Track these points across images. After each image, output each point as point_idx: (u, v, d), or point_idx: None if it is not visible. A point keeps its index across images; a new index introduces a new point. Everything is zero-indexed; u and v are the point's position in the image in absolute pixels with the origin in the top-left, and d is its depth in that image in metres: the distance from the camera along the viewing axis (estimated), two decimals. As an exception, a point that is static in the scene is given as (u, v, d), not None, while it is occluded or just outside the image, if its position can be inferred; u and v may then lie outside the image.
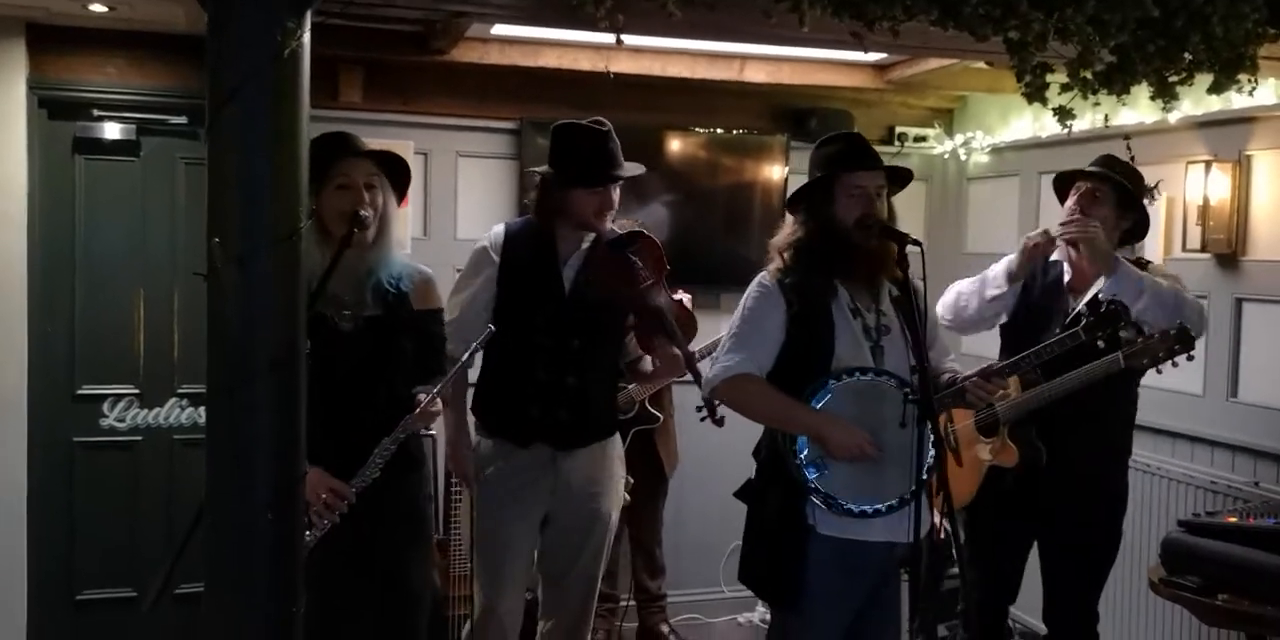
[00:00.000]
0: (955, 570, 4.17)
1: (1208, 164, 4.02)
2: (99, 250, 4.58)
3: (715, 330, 3.74)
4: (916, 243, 2.89)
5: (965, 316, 3.66)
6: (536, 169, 3.48)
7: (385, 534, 2.96)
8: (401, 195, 3.06)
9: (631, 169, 3.35)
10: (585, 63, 4.67)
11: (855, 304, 2.98)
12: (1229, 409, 4.04)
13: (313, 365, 2.29)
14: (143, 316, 4.66)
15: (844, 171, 2.96)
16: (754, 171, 5.26)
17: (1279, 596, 3.11)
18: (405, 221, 4.49)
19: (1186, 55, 2.70)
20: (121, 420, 4.65)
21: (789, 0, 2.47)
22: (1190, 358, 3.24)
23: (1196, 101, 3.73)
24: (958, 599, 3.84)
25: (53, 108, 4.48)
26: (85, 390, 4.61)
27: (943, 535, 2.99)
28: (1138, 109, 3.94)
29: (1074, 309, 3.47)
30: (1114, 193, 3.45)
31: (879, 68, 4.98)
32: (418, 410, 2.85)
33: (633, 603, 4.84)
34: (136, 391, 4.67)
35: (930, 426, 2.81)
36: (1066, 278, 3.55)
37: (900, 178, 3.09)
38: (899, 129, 5.44)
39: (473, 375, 3.42)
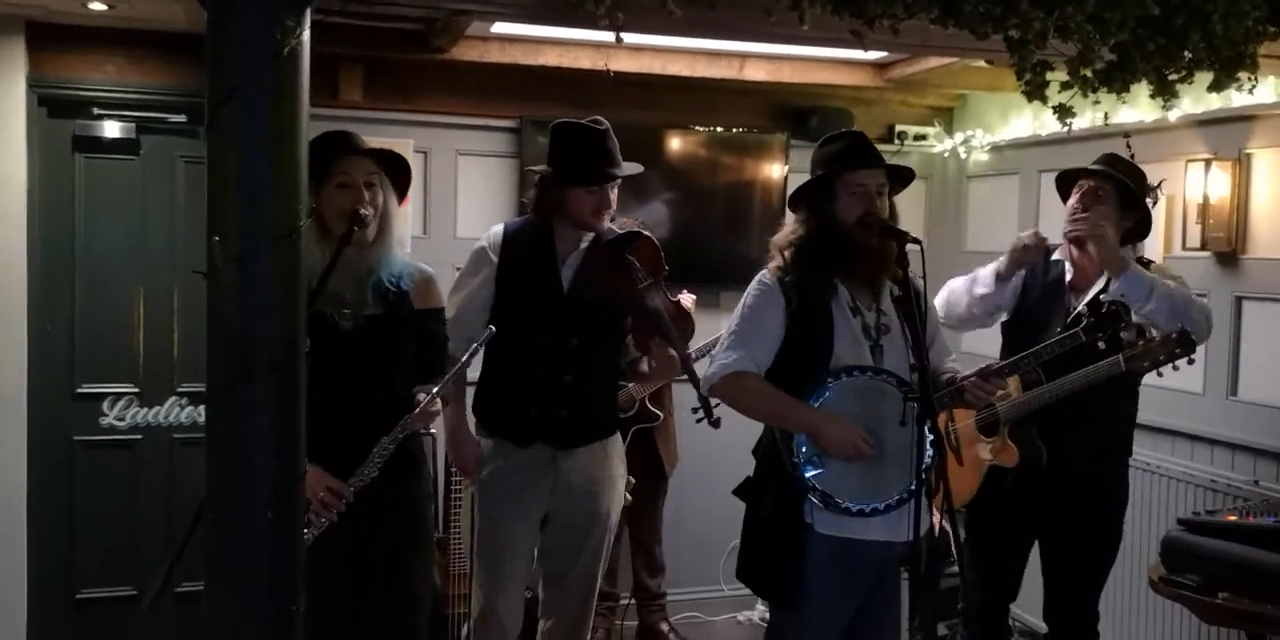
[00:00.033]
0: (955, 569, 4.18)
1: (1208, 162, 4.01)
2: (99, 249, 4.58)
3: (715, 329, 3.74)
4: (916, 241, 2.89)
5: (956, 314, 3.65)
6: (535, 168, 3.48)
7: (385, 533, 2.96)
8: (403, 194, 3.06)
9: (629, 168, 3.35)
10: (585, 61, 4.67)
11: (855, 303, 2.98)
12: (1229, 407, 4.04)
13: (313, 364, 2.29)
14: (142, 315, 4.65)
15: (845, 169, 2.96)
16: (754, 170, 5.26)
17: (1279, 595, 3.11)
18: (405, 220, 4.49)
19: (1186, 53, 2.70)
20: (121, 419, 4.65)
21: (789, -2, 2.47)
22: (1191, 361, 3.24)
23: (1196, 100, 3.73)
24: (958, 598, 3.85)
25: (52, 106, 4.47)
26: (85, 389, 4.60)
27: (937, 533, 2.99)
28: (1138, 107, 3.93)
29: (1075, 309, 3.47)
30: (1116, 191, 3.45)
31: (879, 66, 4.98)
32: (417, 410, 2.85)
33: (632, 601, 4.85)
34: (136, 390, 4.67)
35: (929, 426, 2.81)
36: (1068, 277, 3.55)
37: (902, 177, 3.09)
38: (899, 127, 5.44)
39: (473, 374, 3.42)
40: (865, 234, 2.93)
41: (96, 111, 4.52)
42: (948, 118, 5.54)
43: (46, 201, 4.47)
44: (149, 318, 4.66)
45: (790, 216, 3.09)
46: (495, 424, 3.40)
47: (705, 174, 5.19)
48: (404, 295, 3.00)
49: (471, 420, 3.48)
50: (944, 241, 5.35)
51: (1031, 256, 3.55)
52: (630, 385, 4.25)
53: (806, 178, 3.06)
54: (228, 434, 2.17)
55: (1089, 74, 2.71)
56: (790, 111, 5.30)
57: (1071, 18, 2.52)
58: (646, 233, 3.57)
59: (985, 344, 4.02)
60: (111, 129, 4.52)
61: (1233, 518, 3.35)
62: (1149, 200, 3.52)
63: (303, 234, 2.19)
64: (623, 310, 3.34)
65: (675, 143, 5.16)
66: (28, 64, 4.35)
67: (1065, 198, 3.56)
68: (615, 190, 3.35)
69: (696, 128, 5.18)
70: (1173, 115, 3.65)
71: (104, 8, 4.07)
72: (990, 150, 5.26)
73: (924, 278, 2.94)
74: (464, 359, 2.97)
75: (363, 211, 2.84)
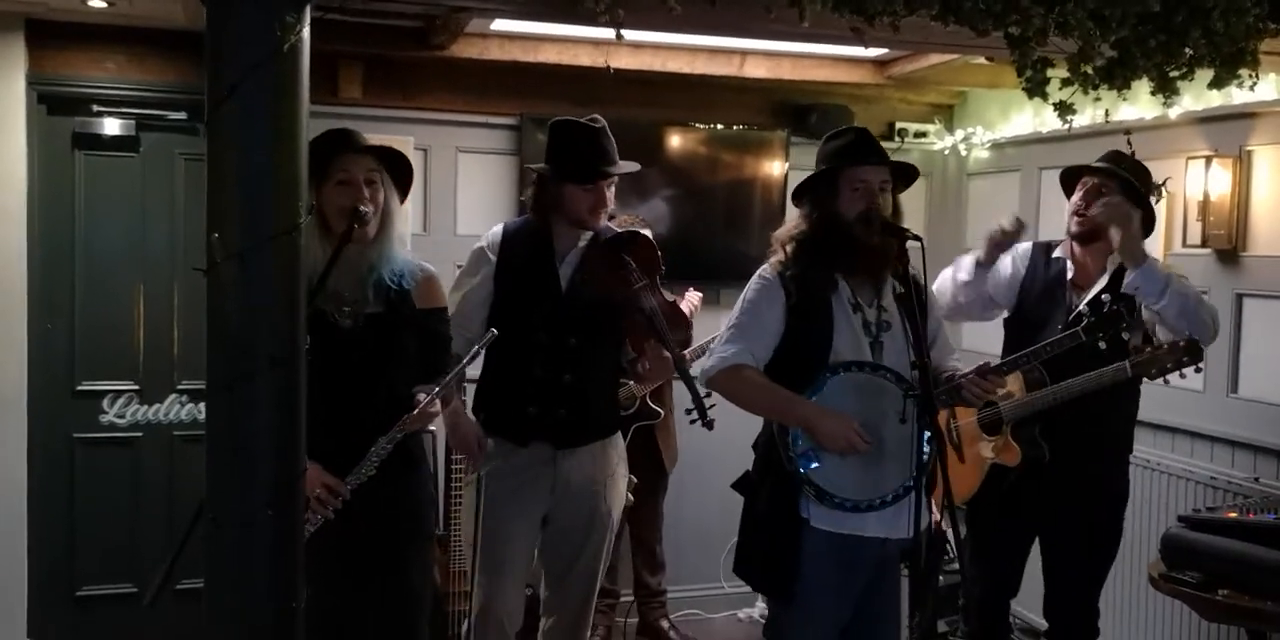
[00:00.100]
0: (955, 566, 4.18)
1: (1208, 159, 4.01)
2: (99, 246, 4.58)
3: (715, 326, 3.74)
4: (917, 238, 2.90)
5: (944, 302, 3.63)
6: (533, 166, 3.48)
7: (384, 532, 2.96)
8: (404, 192, 3.05)
9: (626, 166, 3.35)
10: (585, 58, 4.66)
11: (856, 299, 2.98)
12: (1229, 405, 4.04)
13: (312, 362, 2.29)
14: (142, 312, 4.66)
15: (848, 165, 2.97)
16: (754, 167, 5.25)
17: (1279, 592, 3.11)
18: (406, 218, 4.49)
19: (1187, 50, 2.69)
20: (121, 416, 4.65)
21: (789, -5, 2.47)
22: (1198, 369, 3.24)
23: (1197, 97, 3.73)
24: (958, 594, 3.85)
25: (52, 103, 4.48)
26: (85, 386, 4.61)
27: (935, 529, 2.99)
28: (1138, 104, 3.93)
29: (1076, 307, 3.46)
30: (1120, 189, 3.44)
31: (879, 63, 4.98)
32: (416, 411, 2.84)
33: (633, 598, 4.85)
34: (136, 387, 4.67)
35: (928, 423, 2.81)
36: (1069, 275, 3.54)
37: (906, 174, 3.08)
38: (899, 125, 5.44)
39: (474, 373, 3.41)
40: (866, 230, 2.93)
41: (96, 109, 4.52)
42: (948, 115, 5.54)
43: (46, 199, 4.47)
44: (149, 315, 4.66)
45: (793, 211, 3.09)
46: (495, 423, 3.40)
47: (705, 171, 5.19)
48: (405, 294, 2.98)
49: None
50: (944, 239, 5.35)
51: (1011, 239, 3.54)
52: (631, 383, 4.25)
53: (807, 175, 3.07)
54: (228, 431, 2.17)
55: (1090, 71, 2.71)
56: (790, 109, 5.29)
57: (1072, 14, 2.52)
58: (645, 232, 3.57)
59: (987, 342, 4.02)
60: (111, 126, 4.52)
61: (1233, 515, 3.35)
62: (1153, 198, 3.52)
63: (303, 231, 2.19)
64: (618, 309, 3.34)
65: (675, 140, 5.15)
66: (27, 61, 4.35)
67: (1069, 194, 3.56)
68: (612, 188, 3.35)
69: (696, 125, 5.18)
70: (1173, 112, 3.65)
71: (104, 5, 4.06)
72: (991, 147, 5.26)
73: (925, 275, 2.94)
74: (464, 361, 2.96)
75: (363, 209, 2.83)
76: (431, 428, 3.15)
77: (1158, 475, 4.19)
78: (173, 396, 4.71)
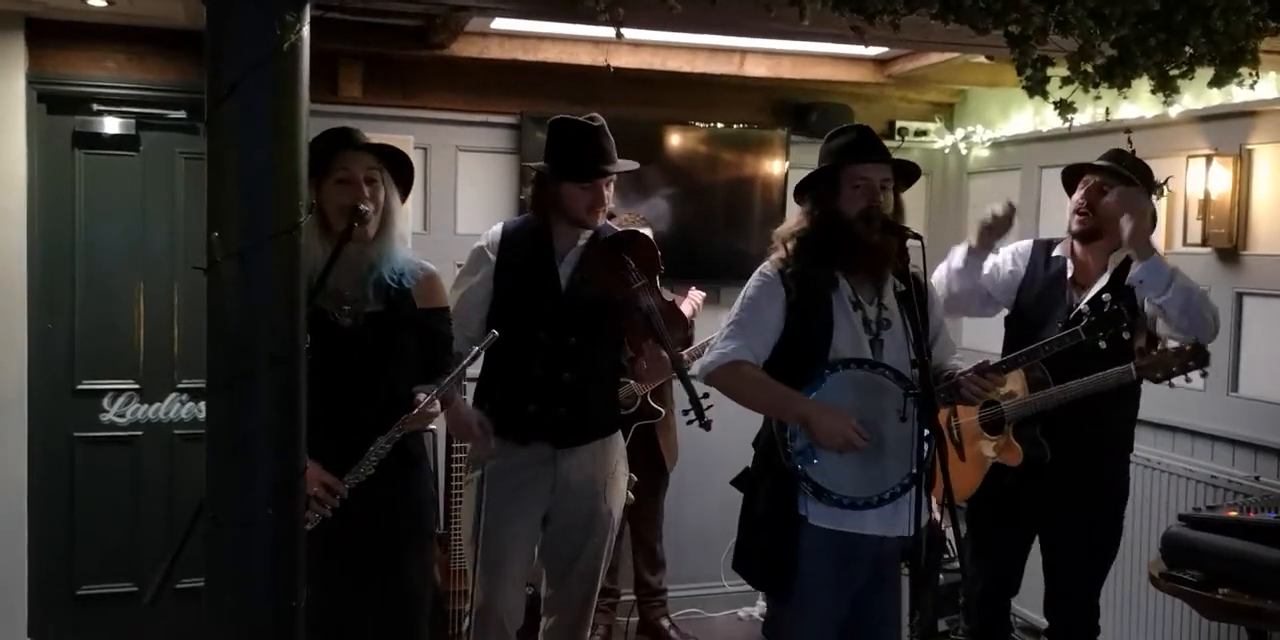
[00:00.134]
0: (955, 565, 4.19)
1: (1208, 158, 4.01)
2: (99, 245, 4.58)
3: (716, 325, 3.74)
4: (917, 236, 2.90)
5: (938, 294, 3.61)
6: (532, 164, 3.48)
7: (383, 531, 2.95)
8: (406, 191, 3.05)
9: (624, 165, 3.34)
10: (585, 57, 4.66)
11: (857, 297, 2.98)
12: (1229, 403, 4.04)
13: (312, 361, 2.29)
14: (143, 311, 4.65)
15: (849, 162, 2.96)
16: (754, 166, 5.25)
17: (1279, 590, 3.11)
18: (406, 216, 4.49)
19: (1187, 49, 2.69)
20: (122, 415, 4.66)
21: (789, -6, 2.46)
22: (1204, 374, 3.24)
23: (1197, 95, 3.72)
24: (958, 593, 3.84)
25: (52, 102, 4.47)
26: (85, 385, 4.61)
27: (933, 527, 2.99)
28: (1138, 103, 3.93)
29: (1076, 305, 3.46)
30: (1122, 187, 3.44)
31: (879, 62, 4.98)
32: (415, 411, 2.84)
33: (633, 597, 4.85)
34: (137, 386, 4.67)
35: (927, 421, 2.81)
36: (1069, 273, 3.54)
37: (907, 173, 3.08)
38: (899, 123, 5.44)
39: (474, 371, 3.41)
40: (867, 228, 2.93)
41: (96, 108, 4.52)
42: (948, 114, 5.54)
43: (46, 198, 4.47)
44: (149, 314, 4.66)
45: (793, 210, 3.09)
46: (495, 422, 3.39)
47: (705, 170, 5.19)
48: (405, 292, 2.98)
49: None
50: (945, 237, 5.32)
51: (1003, 225, 3.53)
52: (632, 382, 4.25)
53: (807, 174, 3.06)
54: (228, 430, 2.17)
55: (1090, 69, 2.71)
56: (790, 107, 5.29)
57: (1072, 13, 2.52)
58: (645, 231, 3.57)
59: (987, 340, 4.02)
60: (111, 125, 4.52)
61: (1233, 513, 3.35)
62: (1155, 196, 3.52)
63: (303, 230, 2.19)
64: (617, 308, 3.33)
65: (675, 139, 5.15)
66: (27, 60, 4.35)
67: (1071, 192, 3.56)
68: (611, 187, 3.34)
69: (696, 124, 5.17)
70: (1174, 111, 3.65)
71: (103, 4, 4.06)
72: (991, 146, 5.26)
73: (925, 273, 2.93)
74: (464, 363, 2.95)
75: (363, 208, 2.83)
76: (431, 427, 3.15)
77: (1158, 474, 4.19)
78: (173, 395, 4.71)
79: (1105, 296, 3.33)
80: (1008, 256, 3.69)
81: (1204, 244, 4.05)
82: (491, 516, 3.37)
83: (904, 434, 2.89)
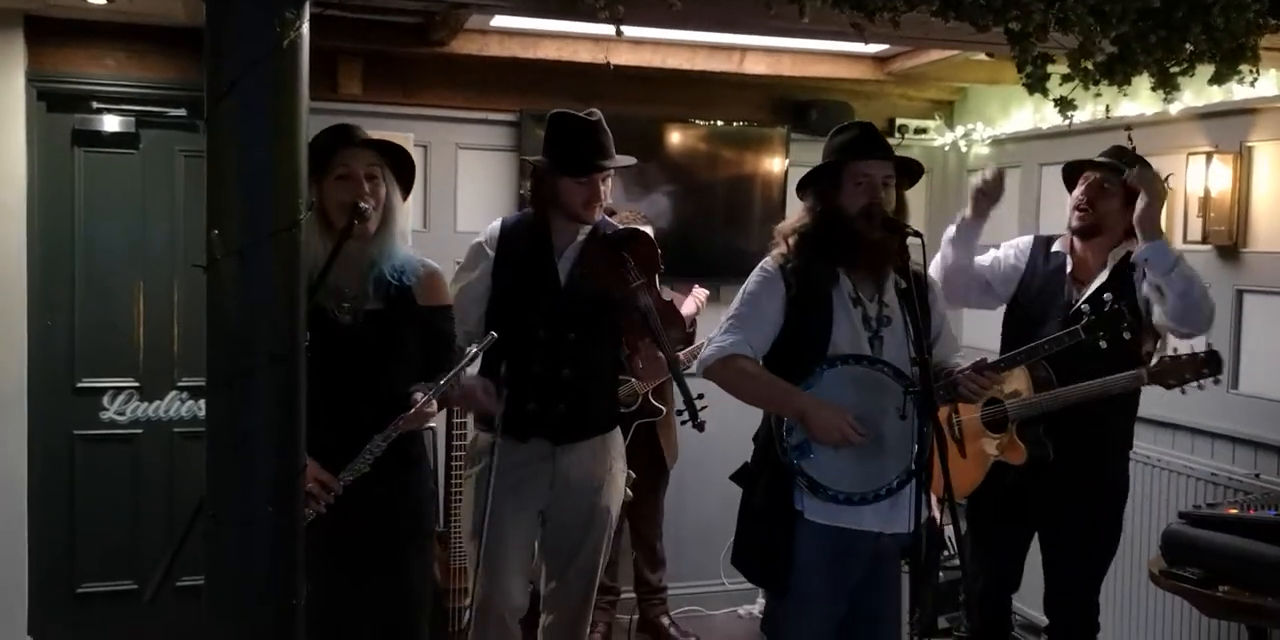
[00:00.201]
0: (955, 562, 4.18)
1: (1209, 155, 4.01)
2: (98, 243, 4.58)
3: (716, 323, 3.74)
4: (917, 234, 2.90)
5: (936, 275, 3.60)
6: (530, 158, 3.48)
7: (382, 529, 2.95)
8: (407, 188, 3.04)
9: (621, 160, 3.34)
10: (585, 54, 4.66)
11: (857, 293, 2.98)
12: (1229, 401, 4.04)
13: (312, 358, 2.29)
14: (142, 309, 4.65)
15: (851, 159, 2.96)
16: (754, 163, 5.25)
17: (1279, 588, 3.11)
18: (407, 213, 4.49)
19: (1188, 46, 2.69)
20: (121, 413, 4.66)
21: (790, -9, 2.46)
22: (1218, 381, 3.25)
23: (1198, 92, 3.72)
24: (959, 590, 3.84)
25: (51, 100, 4.47)
26: (85, 383, 4.61)
27: (930, 524, 2.99)
28: (1139, 100, 3.93)
29: (1076, 301, 3.47)
30: (1122, 184, 3.44)
31: (879, 59, 4.97)
32: (412, 410, 2.83)
33: (634, 595, 4.85)
34: (136, 384, 4.67)
35: (927, 418, 2.81)
36: (1069, 268, 3.54)
37: (910, 171, 3.08)
38: (899, 121, 5.43)
39: (473, 371, 3.41)
40: (868, 225, 2.93)
41: (96, 106, 4.52)
42: (948, 111, 5.53)
43: (46, 196, 4.47)
44: (149, 312, 4.66)
45: (793, 207, 3.09)
46: (494, 418, 3.39)
47: (705, 168, 5.19)
48: (406, 290, 2.97)
49: (471, 415, 3.47)
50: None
51: (994, 189, 3.53)
52: (634, 381, 4.25)
53: (807, 171, 3.07)
54: (228, 428, 2.17)
55: (1090, 66, 2.70)
56: (790, 105, 5.29)
57: (1072, 10, 2.52)
58: (646, 230, 3.56)
59: (986, 339, 4.01)
60: (111, 123, 4.52)
61: (1233, 511, 3.36)
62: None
63: (303, 227, 2.19)
64: (616, 306, 3.33)
65: (675, 136, 5.15)
66: (27, 58, 4.35)
67: (1071, 189, 3.57)
68: (608, 182, 3.34)
69: (696, 121, 5.17)
70: (1174, 108, 3.65)
71: (103, 2, 4.05)
72: (991, 144, 5.25)
73: (925, 271, 2.93)
74: (462, 363, 2.94)
75: (362, 205, 2.82)
76: (431, 425, 3.14)
77: (1158, 471, 4.19)
78: (173, 393, 4.71)
79: (1107, 296, 3.32)
80: (1009, 251, 3.70)
81: (1204, 241, 4.05)
82: (491, 512, 3.37)
83: (902, 431, 2.89)
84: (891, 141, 5.17)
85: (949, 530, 3.05)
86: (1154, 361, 3.33)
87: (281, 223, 2.14)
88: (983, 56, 4.35)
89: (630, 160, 3.39)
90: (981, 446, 3.62)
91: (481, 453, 3.38)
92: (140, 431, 4.68)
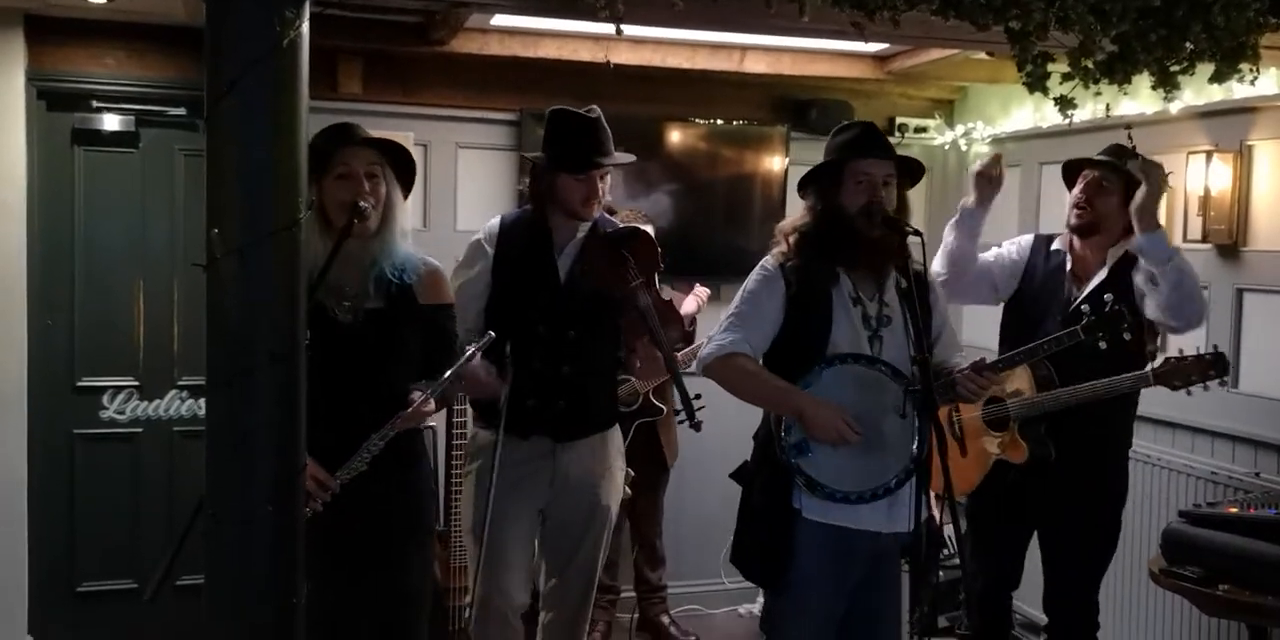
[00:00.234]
0: (955, 561, 4.18)
1: (1209, 154, 4.01)
2: (98, 242, 4.58)
3: (718, 322, 3.74)
4: (918, 233, 2.90)
5: (938, 269, 3.60)
6: (530, 155, 3.48)
7: (383, 528, 2.95)
8: (408, 186, 3.04)
9: (620, 158, 3.34)
10: (585, 53, 4.66)
11: (857, 292, 2.98)
12: (1229, 400, 4.03)
13: (312, 357, 2.29)
14: (142, 308, 4.65)
15: (852, 158, 2.96)
16: (754, 162, 5.25)
17: (1279, 587, 3.11)
18: (408, 212, 4.48)
19: (1188, 44, 2.69)
20: (121, 412, 4.66)
21: (789, -10, 2.46)
22: (1223, 383, 3.25)
23: (1198, 91, 3.72)
24: (959, 590, 3.84)
25: (51, 99, 4.47)
26: (85, 382, 4.61)
27: (929, 524, 2.99)
28: (1139, 99, 3.93)
29: (1075, 299, 3.47)
30: (1121, 182, 3.44)
31: (879, 58, 4.97)
32: (410, 409, 2.83)
33: (634, 594, 4.85)
34: (136, 383, 4.67)
35: (927, 418, 2.81)
36: (1068, 266, 3.55)
37: (911, 171, 3.08)
38: (899, 120, 5.43)
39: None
40: (868, 224, 2.93)
41: (96, 105, 4.52)
42: (948, 110, 5.53)
43: (46, 195, 4.47)
44: (149, 310, 4.66)
45: (794, 206, 3.09)
46: (494, 415, 3.39)
47: (705, 167, 5.19)
48: (407, 288, 2.96)
49: (470, 413, 3.47)
50: (944, 234, 5.35)
51: (993, 171, 3.54)
52: (634, 380, 4.25)
53: (807, 170, 3.07)
54: (228, 427, 2.17)
55: (1090, 65, 2.70)
56: (790, 104, 5.29)
57: (1072, 8, 2.52)
58: (647, 229, 3.56)
59: (986, 337, 4.01)
60: (111, 122, 4.52)
61: (1233, 510, 3.36)
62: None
63: (303, 226, 2.19)
64: (615, 303, 3.33)
65: (675, 135, 5.15)
66: (27, 57, 4.35)
67: (1071, 187, 3.57)
68: (607, 180, 3.34)
69: (696, 120, 5.17)
70: (1174, 107, 3.65)
71: (103, 1, 4.05)
72: (991, 142, 5.25)
73: (925, 270, 2.93)
74: (460, 363, 2.94)
75: (362, 204, 2.82)
76: (430, 423, 3.14)
77: (1158, 470, 4.19)
78: (173, 392, 4.71)
79: (1107, 296, 3.32)
80: (1011, 248, 3.71)
81: (1204, 240, 4.05)
82: (491, 510, 3.37)
83: (901, 430, 2.89)
84: (892, 140, 5.20)
85: (949, 529, 3.05)
86: (1160, 362, 3.33)
87: (281, 222, 2.13)
88: (983, 55, 4.35)
89: (629, 158, 3.39)
90: (983, 445, 3.62)
91: (480, 450, 3.38)
92: (140, 430, 4.68)
